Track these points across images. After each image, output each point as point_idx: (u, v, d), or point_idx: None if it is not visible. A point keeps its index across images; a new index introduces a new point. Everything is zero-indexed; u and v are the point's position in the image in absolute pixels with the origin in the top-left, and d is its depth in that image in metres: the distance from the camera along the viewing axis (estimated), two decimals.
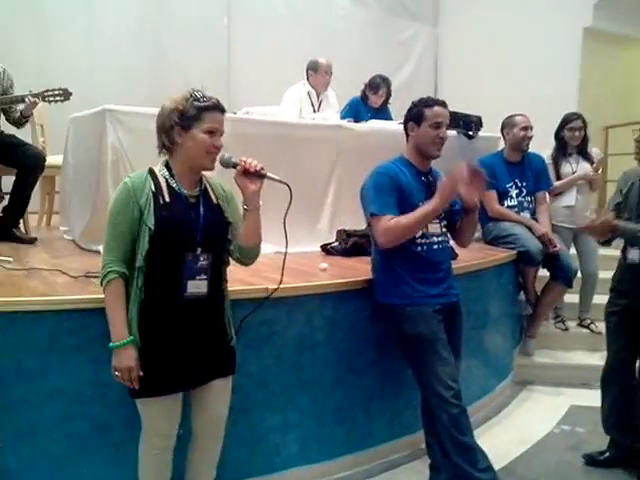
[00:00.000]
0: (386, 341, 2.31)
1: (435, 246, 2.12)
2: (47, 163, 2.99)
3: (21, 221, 2.99)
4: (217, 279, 1.62)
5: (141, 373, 1.53)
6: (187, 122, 1.52)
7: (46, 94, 2.79)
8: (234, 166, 1.61)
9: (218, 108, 1.55)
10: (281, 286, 1.97)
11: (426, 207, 1.98)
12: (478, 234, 3.70)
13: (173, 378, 1.57)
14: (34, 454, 1.72)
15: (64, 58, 4.27)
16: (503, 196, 3.35)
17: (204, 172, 1.65)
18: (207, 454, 1.73)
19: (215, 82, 4.93)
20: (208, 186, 1.65)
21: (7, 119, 2.95)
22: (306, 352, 2.15)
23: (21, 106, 2.86)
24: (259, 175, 1.60)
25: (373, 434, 2.36)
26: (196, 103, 1.53)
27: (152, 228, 1.50)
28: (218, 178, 1.72)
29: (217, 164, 1.61)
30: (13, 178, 2.93)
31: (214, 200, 1.64)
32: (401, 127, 3.58)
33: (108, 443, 1.82)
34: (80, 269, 2.13)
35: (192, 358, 1.58)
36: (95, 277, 2.03)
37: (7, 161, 2.89)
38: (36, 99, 2.75)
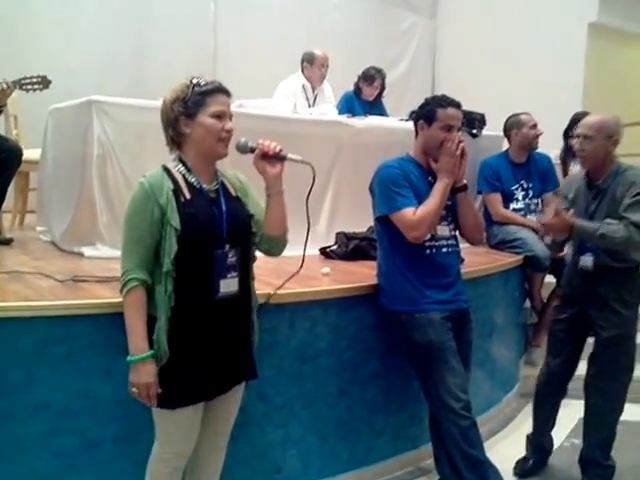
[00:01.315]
0: (391, 350, 2.34)
1: (444, 249, 2.16)
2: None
3: None
4: (245, 276, 1.63)
5: (159, 390, 1.51)
6: (191, 109, 1.52)
7: (23, 82, 2.74)
8: (252, 151, 1.61)
9: (222, 90, 1.56)
10: (282, 292, 2.00)
11: (438, 187, 2.09)
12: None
13: (201, 387, 1.57)
14: (19, 472, 1.70)
15: (39, 46, 4.21)
16: (509, 199, 3.41)
17: (217, 163, 1.65)
18: (212, 463, 1.73)
19: (200, 72, 4.92)
20: (224, 179, 1.66)
21: None
22: (308, 362, 2.16)
23: None
24: (279, 157, 1.60)
25: (377, 449, 2.39)
26: (197, 88, 1.52)
27: (178, 228, 1.49)
28: (230, 169, 1.72)
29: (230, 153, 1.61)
30: None
31: (233, 193, 1.65)
32: (403, 124, 3.66)
33: (97, 461, 1.80)
34: (65, 272, 2.12)
35: (221, 364, 1.59)
36: (83, 281, 2.03)
37: None
38: (6, 85, 2.67)
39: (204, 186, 1.58)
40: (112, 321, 1.75)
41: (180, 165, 1.58)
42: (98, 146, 2.48)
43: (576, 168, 3.55)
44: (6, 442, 1.69)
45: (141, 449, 1.79)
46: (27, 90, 2.77)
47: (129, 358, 1.51)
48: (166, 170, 1.57)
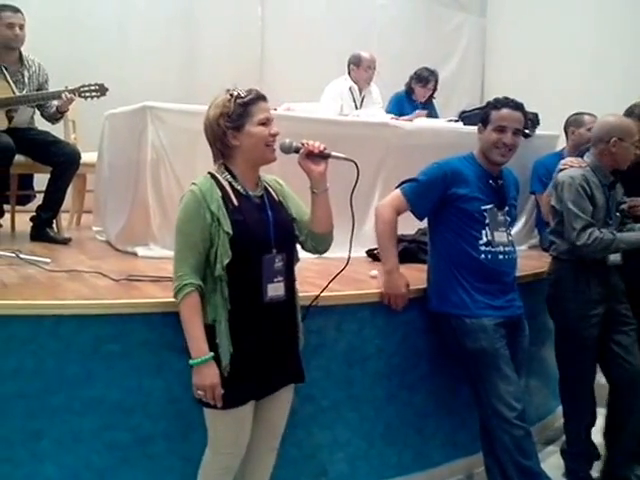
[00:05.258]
0: (440, 355, 2.30)
1: (500, 256, 2.10)
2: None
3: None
4: (290, 279, 1.66)
5: (222, 390, 1.54)
6: (237, 122, 1.55)
7: (82, 90, 2.87)
8: (296, 151, 1.66)
9: (261, 97, 1.60)
10: (329, 294, 1.98)
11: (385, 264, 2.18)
12: (535, 241, 3.67)
13: (250, 386, 1.59)
14: (76, 464, 1.77)
15: (95, 53, 4.38)
16: None
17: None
18: (263, 465, 1.75)
19: (247, 76, 5.01)
20: (267, 184, 1.69)
21: (42, 114, 3.05)
22: (356, 365, 2.15)
23: (56, 101, 2.95)
24: (323, 155, 1.64)
25: (426, 455, 2.35)
26: (239, 100, 1.56)
27: (230, 232, 1.53)
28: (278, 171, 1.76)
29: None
30: (42, 176, 3.03)
31: (276, 198, 1.69)
32: (452, 125, 3.60)
33: (149, 455, 1.85)
34: (120, 272, 2.19)
35: (269, 364, 1.61)
36: (137, 280, 2.09)
37: (42, 159, 2.97)
38: (72, 95, 2.83)
39: (250, 192, 1.61)
40: (165, 320, 1.80)
41: (226, 173, 1.61)
42: (152, 151, 2.54)
43: None
44: (64, 434, 1.75)
45: (190, 447, 1.83)
46: (86, 97, 2.91)
47: (192, 361, 1.53)
48: (213, 177, 1.60)
